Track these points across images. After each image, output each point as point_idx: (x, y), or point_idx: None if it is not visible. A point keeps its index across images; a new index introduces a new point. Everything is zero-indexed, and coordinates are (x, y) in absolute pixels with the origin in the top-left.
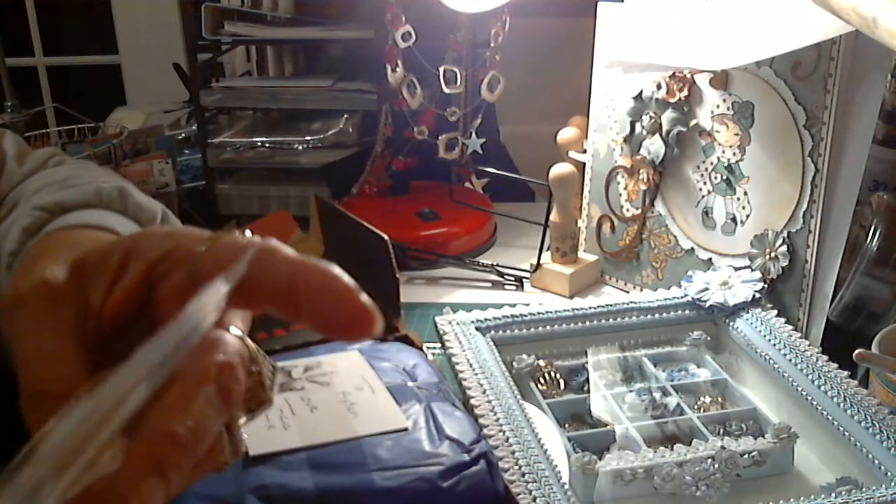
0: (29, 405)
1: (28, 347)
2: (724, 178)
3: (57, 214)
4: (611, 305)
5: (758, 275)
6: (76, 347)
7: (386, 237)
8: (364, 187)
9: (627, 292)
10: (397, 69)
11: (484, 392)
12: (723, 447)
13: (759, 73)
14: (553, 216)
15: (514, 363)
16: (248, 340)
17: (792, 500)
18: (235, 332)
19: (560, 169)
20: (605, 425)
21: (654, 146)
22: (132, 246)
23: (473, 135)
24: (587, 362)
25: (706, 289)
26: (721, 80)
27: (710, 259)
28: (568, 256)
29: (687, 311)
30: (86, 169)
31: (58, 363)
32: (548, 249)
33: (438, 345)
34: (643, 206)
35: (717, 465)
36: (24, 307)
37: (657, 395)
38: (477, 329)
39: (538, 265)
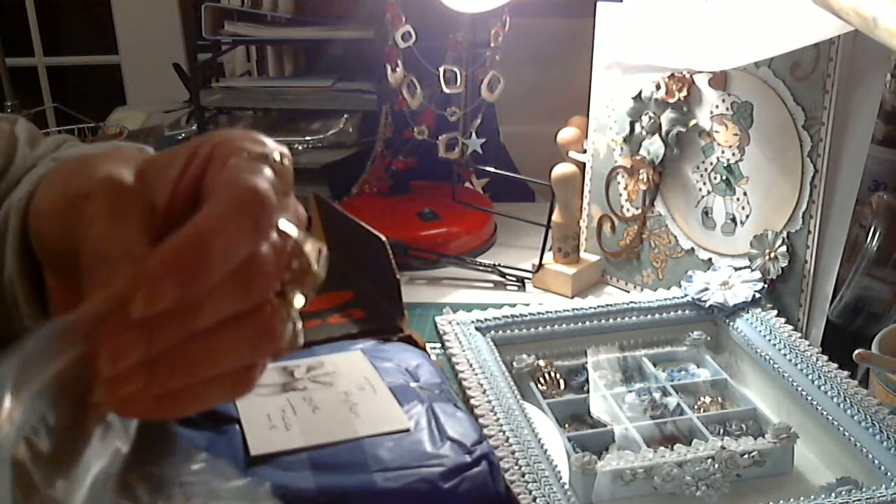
0: (91, 273)
1: (97, 233)
2: (724, 178)
3: None
4: (611, 305)
5: (758, 275)
6: (143, 241)
7: (384, 238)
8: (364, 187)
9: (628, 292)
10: (397, 69)
11: (484, 392)
12: (723, 447)
13: (758, 73)
14: (555, 216)
15: (514, 363)
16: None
17: (792, 500)
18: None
19: (562, 169)
20: (605, 425)
21: (653, 146)
22: (198, 144)
23: (473, 135)
24: (587, 362)
25: (706, 289)
26: (720, 80)
27: (710, 259)
28: (570, 257)
29: (687, 311)
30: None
31: (126, 247)
32: (549, 250)
33: (440, 345)
34: (643, 206)
35: (717, 465)
36: (93, 199)
37: (657, 395)
38: (477, 329)
39: (540, 265)
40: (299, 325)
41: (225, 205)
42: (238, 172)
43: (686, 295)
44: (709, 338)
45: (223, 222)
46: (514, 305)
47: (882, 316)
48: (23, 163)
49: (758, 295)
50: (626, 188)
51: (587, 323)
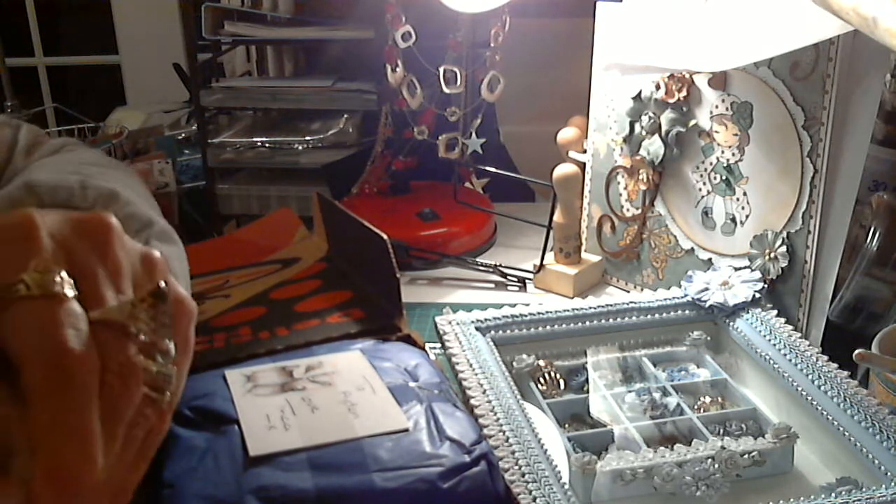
0: None
1: None
2: (724, 178)
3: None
4: (610, 305)
5: (758, 275)
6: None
7: (385, 237)
8: (364, 187)
9: (628, 292)
10: (397, 69)
11: (484, 392)
12: (723, 447)
13: (758, 73)
14: (557, 217)
15: (514, 363)
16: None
17: (792, 500)
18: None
19: (564, 169)
20: (605, 425)
21: (653, 146)
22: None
23: (473, 135)
24: (587, 362)
25: (706, 289)
26: (720, 80)
27: (710, 259)
28: (571, 257)
29: (687, 311)
30: (93, 160)
31: None
32: (551, 250)
33: (440, 345)
34: (643, 206)
35: (717, 465)
36: None
37: (657, 395)
38: (477, 329)
39: (542, 266)
40: (166, 367)
41: (43, 388)
42: (35, 336)
43: (686, 295)
44: (709, 338)
45: (53, 410)
46: (514, 305)
47: (882, 316)
48: (14, 169)
49: (758, 295)
50: (626, 188)
51: (587, 323)
